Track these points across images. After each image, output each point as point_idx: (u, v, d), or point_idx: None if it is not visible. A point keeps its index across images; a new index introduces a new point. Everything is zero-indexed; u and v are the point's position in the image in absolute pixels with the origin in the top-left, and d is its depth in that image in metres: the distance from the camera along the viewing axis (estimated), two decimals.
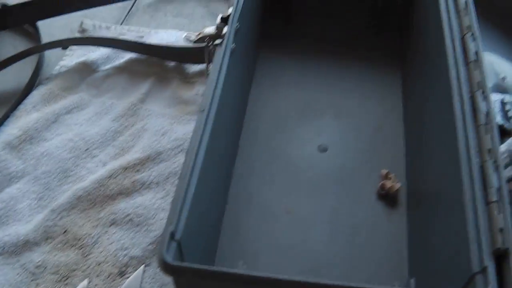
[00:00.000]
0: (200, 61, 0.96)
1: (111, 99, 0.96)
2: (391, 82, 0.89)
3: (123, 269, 0.74)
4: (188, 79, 0.99)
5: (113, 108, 0.94)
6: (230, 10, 0.71)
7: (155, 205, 0.80)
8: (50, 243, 0.77)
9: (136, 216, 0.79)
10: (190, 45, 0.98)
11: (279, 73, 0.91)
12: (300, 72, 0.91)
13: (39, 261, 0.74)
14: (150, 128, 0.90)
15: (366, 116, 0.85)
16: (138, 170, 0.84)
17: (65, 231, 0.78)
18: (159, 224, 0.78)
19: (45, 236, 0.77)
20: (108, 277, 0.73)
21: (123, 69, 1.00)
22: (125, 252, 0.75)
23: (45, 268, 0.74)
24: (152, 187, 0.83)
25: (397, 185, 0.74)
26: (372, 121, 0.84)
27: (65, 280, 0.73)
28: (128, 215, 0.79)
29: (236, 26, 0.70)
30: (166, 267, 0.45)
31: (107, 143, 0.89)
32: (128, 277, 0.73)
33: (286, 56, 0.93)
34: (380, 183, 0.75)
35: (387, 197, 0.74)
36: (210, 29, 0.72)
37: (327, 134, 0.82)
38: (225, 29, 0.69)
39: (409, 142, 0.79)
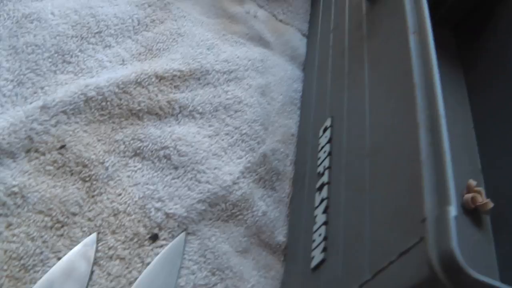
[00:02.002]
0: None
1: None
2: None
3: (155, 231, 0.45)
4: None
5: None
6: None
7: (204, 145, 0.52)
8: (35, 159, 0.45)
9: (176, 153, 0.50)
10: None
11: None
12: None
13: (14, 186, 0.42)
14: (188, 34, 0.61)
15: None
16: (177, 86, 0.55)
17: (62, 147, 0.46)
18: (211, 175, 0.50)
19: (27, 145, 0.45)
20: (132, 239, 0.44)
21: None
22: (158, 205, 0.46)
23: (25, 199, 0.42)
24: (195, 116, 0.54)
25: (490, 204, 0.58)
26: None
27: (59, 228, 0.42)
28: (163, 148, 0.50)
29: None
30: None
31: (126, 34, 0.58)
32: (162, 246, 0.45)
33: None
34: (470, 196, 0.58)
35: (473, 214, 0.58)
36: None
37: None
38: None
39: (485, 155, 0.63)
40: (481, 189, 0.59)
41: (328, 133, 0.49)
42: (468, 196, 0.57)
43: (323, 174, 0.46)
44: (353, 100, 0.46)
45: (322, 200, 0.44)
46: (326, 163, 0.46)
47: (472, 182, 0.59)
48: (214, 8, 0.68)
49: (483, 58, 0.70)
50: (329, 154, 0.47)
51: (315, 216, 0.44)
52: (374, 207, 0.35)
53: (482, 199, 0.58)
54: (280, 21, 0.72)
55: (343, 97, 0.49)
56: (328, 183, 0.45)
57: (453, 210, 0.27)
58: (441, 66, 0.51)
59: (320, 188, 0.46)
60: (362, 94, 0.44)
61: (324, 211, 0.43)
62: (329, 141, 0.48)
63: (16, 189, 0.42)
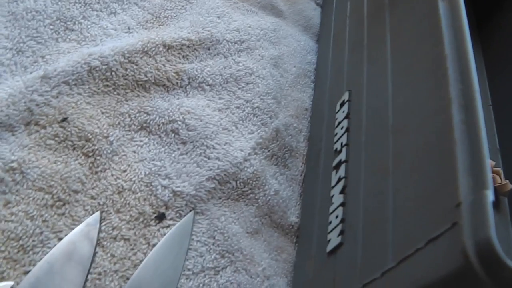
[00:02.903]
0: None
1: None
2: None
3: (162, 210, 0.43)
4: None
5: None
6: None
7: (214, 119, 0.49)
8: (35, 132, 0.42)
9: (184, 127, 0.47)
10: None
11: None
12: None
13: (13, 161, 0.40)
14: (198, 1, 0.58)
15: None
16: (185, 56, 0.52)
17: (63, 120, 0.44)
18: (221, 151, 0.47)
19: (27, 117, 0.42)
20: (138, 218, 0.41)
21: None
22: (165, 183, 0.44)
23: (25, 176, 0.40)
24: (204, 88, 0.51)
25: (509, 185, 0.55)
26: None
27: (60, 207, 0.40)
28: (171, 122, 0.47)
29: None
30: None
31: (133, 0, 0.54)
32: (169, 226, 0.42)
33: None
34: None
35: None
36: None
37: None
38: None
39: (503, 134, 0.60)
40: (500, 169, 0.56)
41: (345, 107, 0.46)
42: None
43: (340, 151, 0.43)
44: (373, 72, 0.43)
45: (339, 180, 0.41)
46: (344, 139, 0.43)
47: (491, 162, 0.57)
48: None
49: (502, 33, 0.66)
50: (347, 130, 0.44)
51: (332, 196, 0.42)
52: (399, 188, 0.32)
53: (501, 180, 0.55)
54: None
55: (362, 70, 0.46)
56: (345, 161, 0.42)
57: (490, 195, 0.25)
58: None
59: (337, 167, 0.43)
60: (383, 66, 0.41)
61: (342, 191, 0.40)
62: (347, 116, 0.45)
63: (15, 165, 0.40)
